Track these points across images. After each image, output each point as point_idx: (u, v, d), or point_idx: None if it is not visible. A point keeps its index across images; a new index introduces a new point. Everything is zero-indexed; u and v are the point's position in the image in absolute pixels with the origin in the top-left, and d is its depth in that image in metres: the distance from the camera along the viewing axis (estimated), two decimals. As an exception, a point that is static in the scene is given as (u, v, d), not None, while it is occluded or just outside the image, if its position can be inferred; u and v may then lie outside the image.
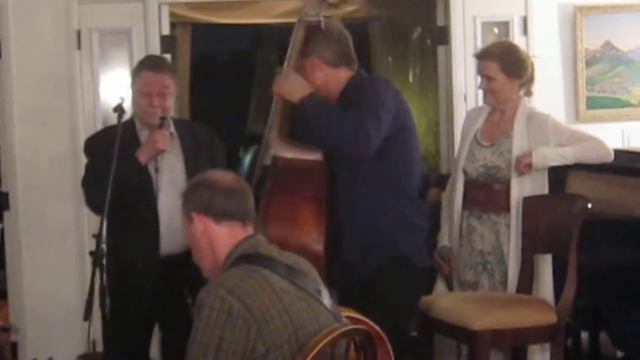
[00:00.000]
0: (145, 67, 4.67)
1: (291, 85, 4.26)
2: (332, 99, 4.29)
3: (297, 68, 4.32)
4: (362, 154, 4.13)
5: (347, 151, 4.15)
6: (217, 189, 3.25)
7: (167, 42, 6.43)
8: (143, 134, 4.65)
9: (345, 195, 4.26)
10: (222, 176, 3.32)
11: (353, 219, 4.26)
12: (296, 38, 4.33)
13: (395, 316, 4.17)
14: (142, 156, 4.49)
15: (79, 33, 6.22)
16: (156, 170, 4.53)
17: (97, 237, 4.11)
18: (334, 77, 4.32)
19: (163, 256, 4.57)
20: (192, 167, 4.63)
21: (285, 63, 4.37)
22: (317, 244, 4.05)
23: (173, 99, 4.75)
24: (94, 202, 4.59)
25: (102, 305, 4.11)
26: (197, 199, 3.26)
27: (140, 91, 4.62)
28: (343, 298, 4.16)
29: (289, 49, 4.33)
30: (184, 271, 4.52)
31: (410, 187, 4.37)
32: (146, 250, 4.53)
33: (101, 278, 4.06)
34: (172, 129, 4.72)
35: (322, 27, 4.29)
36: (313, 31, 4.29)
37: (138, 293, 4.53)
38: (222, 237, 3.23)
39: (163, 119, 4.58)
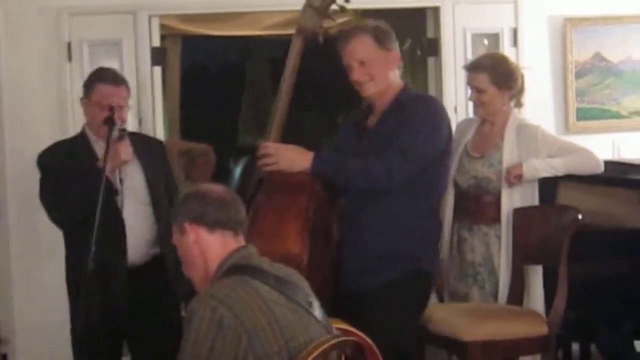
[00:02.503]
0: (103, 80, 4.65)
1: (289, 159, 4.18)
2: (379, 103, 4.31)
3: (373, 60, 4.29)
4: (394, 185, 4.14)
5: (378, 186, 4.16)
6: (209, 199, 3.26)
7: (157, 54, 6.43)
8: (99, 146, 4.60)
9: (373, 202, 4.22)
10: (212, 187, 3.33)
11: (377, 226, 4.22)
12: (293, 50, 4.30)
13: (403, 326, 4.19)
14: (107, 168, 4.41)
15: (69, 45, 6.22)
16: (120, 181, 4.52)
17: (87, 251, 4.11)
18: (389, 79, 4.32)
19: (128, 266, 4.56)
20: (151, 177, 4.69)
21: (282, 79, 4.35)
22: (299, 258, 4.01)
23: (129, 110, 4.76)
24: (63, 216, 4.61)
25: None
26: (189, 210, 3.26)
27: (98, 103, 4.59)
28: (352, 305, 4.16)
29: (287, 62, 4.30)
30: (149, 281, 4.61)
31: (439, 205, 4.47)
32: (114, 261, 4.50)
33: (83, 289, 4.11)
34: (128, 140, 4.68)
35: (320, 40, 4.28)
36: (386, 28, 4.31)
37: (108, 303, 4.47)
38: (215, 247, 3.23)
39: (122, 130, 4.57)
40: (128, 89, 4.74)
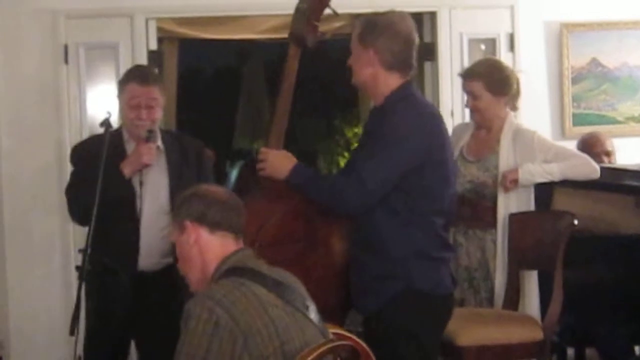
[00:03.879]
0: (133, 79, 4.59)
1: (274, 166, 4.08)
2: (376, 97, 4.08)
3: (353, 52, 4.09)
4: (355, 212, 3.96)
5: (339, 212, 4.02)
6: (212, 199, 3.27)
7: (154, 57, 6.44)
8: (130, 146, 4.58)
9: (362, 220, 4.01)
10: (216, 189, 3.36)
11: (367, 245, 4.00)
12: (289, 55, 4.27)
13: (412, 349, 3.94)
14: (126, 169, 4.43)
15: (66, 47, 6.22)
16: (140, 184, 4.46)
17: (84, 251, 4.08)
18: (382, 80, 4.01)
19: (139, 271, 4.52)
20: (177, 182, 4.56)
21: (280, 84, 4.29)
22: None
23: (162, 110, 4.68)
24: (77, 210, 4.54)
25: (87, 319, 4.10)
26: (192, 208, 3.27)
27: (128, 103, 4.55)
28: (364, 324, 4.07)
29: (285, 67, 4.26)
30: (158, 287, 4.55)
31: (434, 220, 4.00)
32: (124, 264, 4.46)
33: (80, 293, 4.06)
34: (159, 142, 4.64)
35: (309, 45, 4.24)
36: (375, 23, 4.03)
37: (114, 307, 4.45)
38: (214, 247, 3.24)
39: (150, 132, 4.52)
40: (160, 88, 4.64)
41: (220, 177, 8.37)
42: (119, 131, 4.67)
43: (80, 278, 4.04)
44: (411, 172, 3.87)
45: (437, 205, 3.98)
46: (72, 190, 4.58)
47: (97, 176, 4.26)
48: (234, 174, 8.78)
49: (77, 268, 4.12)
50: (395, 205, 3.91)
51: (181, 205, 3.31)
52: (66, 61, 6.23)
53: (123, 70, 5.94)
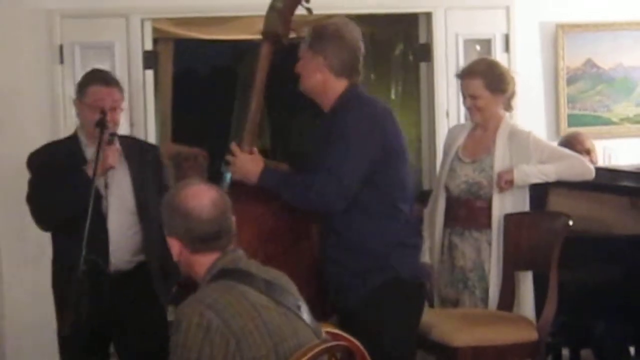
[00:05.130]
0: (96, 81, 4.61)
1: (242, 172, 4.15)
2: (324, 103, 4.18)
3: (301, 58, 4.17)
4: (334, 208, 4.01)
5: (321, 211, 4.06)
6: (192, 219, 3.18)
7: (150, 57, 6.44)
8: (89, 150, 4.56)
9: (332, 220, 4.09)
10: (198, 203, 3.20)
11: (345, 244, 4.08)
12: (261, 55, 4.27)
13: (399, 337, 4.07)
14: (91, 172, 4.36)
15: (61, 47, 6.22)
16: (106, 186, 4.47)
17: (78, 253, 4.09)
18: (331, 85, 4.13)
19: (112, 272, 4.51)
20: (140, 182, 4.63)
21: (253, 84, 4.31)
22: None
23: (122, 113, 4.71)
24: (41, 219, 4.58)
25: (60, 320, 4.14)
26: (173, 226, 3.23)
27: (90, 105, 4.53)
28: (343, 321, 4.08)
29: (256, 66, 4.27)
30: (133, 287, 4.57)
31: (401, 209, 4.14)
32: (96, 265, 4.45)
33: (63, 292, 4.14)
34: (118, 145, 4.62)
35: (284, 43, 4.26)
36: (324, 30, 4.14)
37: (90, 308, 4.43)
38: (199, 263, 3.22)
39: (113, 134, 4.52)
40: (121, 90, 4.68)
41: (215, 177, 8.36)
42: (75, 136, 4.70)
43: (76, 277, 4.05)
44: (378, 165, 4.00)
45: (405, 193, 4.14)
46: (34, 198, 4.58)
47: (57, 183, 4.37)
48: (228, 174, 8.74)
49: (69, 269, 4.14)
50: (369, 202, 4.03)
51: (164, 217, 3.27)
52: (61, 61, 6.23)
53: (119, 71, 6.01)
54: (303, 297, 3.29)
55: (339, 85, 4.13)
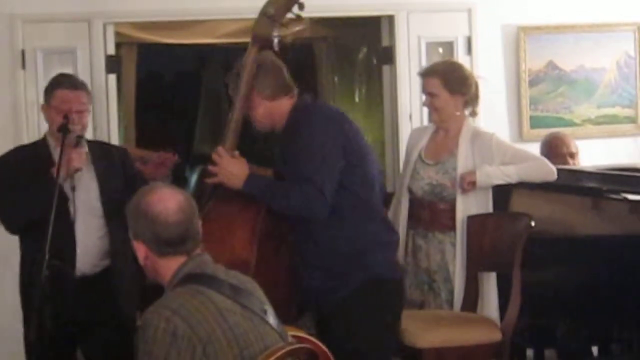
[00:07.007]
0: (63, 85, 4.63)
1: (226, 175, 4.15)
2: (277, 126, 4.22)
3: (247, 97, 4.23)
4: (320, 215, 4.02)
5: (306, 216, 4.06)
6: (158, 223, 3.16)
7: (112, 62, 6.40)
8: (57, 153, 4.50)
9: (308, 226, 4.11)
10: (164, 207, 3.17)
11: (323, 249, 4.11)
12: (248, 59, 4.29)
13: (381, 334, 4.13)
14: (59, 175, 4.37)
15: (23, 52, 6.18)
16: (73, 188, 4.46)
17: (41, 258, 4.08)
18: (275, 109, 4.21)
19: (78, 276, 4.51)
20: (106, 185, 4.64)
21: (238, 87, 4.32)
22: (247, 263, 3.99)
23: (89, 116, 4.75)
24: (7, 221, 4.59)
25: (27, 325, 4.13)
26: (139, 230, 3.21)
27: (57, 109, 4.56)
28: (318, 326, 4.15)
29: (242, 69, 4.28)
30: (99, 292, 4.56)
31: (374, 207, 4.20)
32: (62, 268, 4.44)
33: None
34: (86, 148, 4.67)
35: (275, 47, 4.28)
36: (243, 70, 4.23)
37: (54, 312, 4.40)
38: (165, 267, 3.21)
39: (79, 137, 4.56)
40: (88, 94, 4.70)
41: (180, 182, 8.35)
42: (44, 140, 4.72)
43: (38, 282, 4.04)
44: (346, 166, 4.05)
45: (374, 190, 4.19)
46: (2, 201, 4.57)
47: (23, 185, 4.39)
48: (193, 178, 8.75)
49: (35, 274, 4.13)
50: (342, 206, 4.06)
51: (130, 220, 3.25)
52: (23, 66, 6.19)
53: (81, 75, 5.94)
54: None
55: (282, 105, 4.21)
